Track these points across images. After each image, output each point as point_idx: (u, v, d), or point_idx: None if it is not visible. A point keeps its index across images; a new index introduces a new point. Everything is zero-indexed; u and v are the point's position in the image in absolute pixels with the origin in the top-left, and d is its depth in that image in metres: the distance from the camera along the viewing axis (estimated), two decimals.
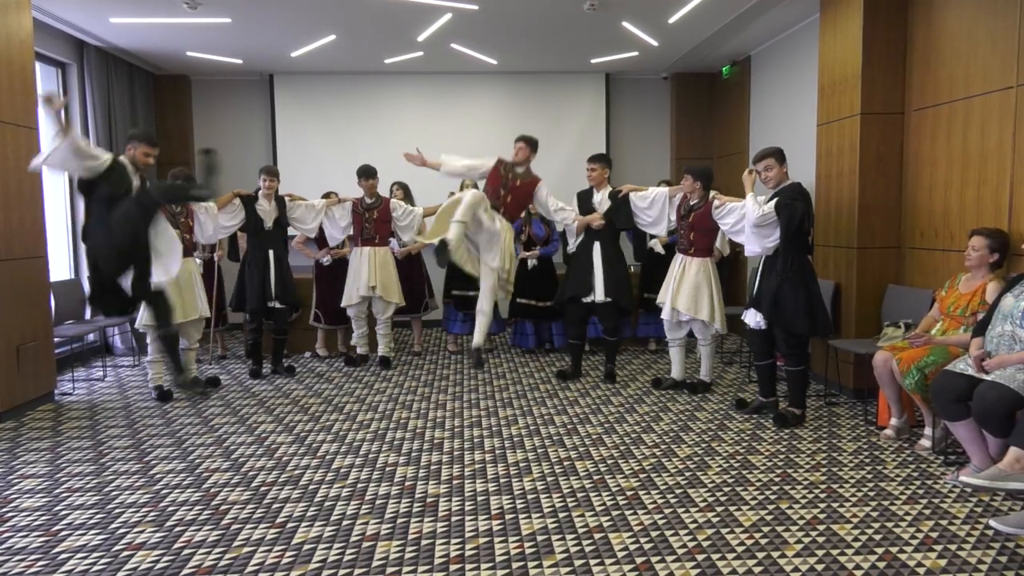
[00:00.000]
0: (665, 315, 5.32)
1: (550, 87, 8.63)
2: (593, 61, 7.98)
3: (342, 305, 6.38)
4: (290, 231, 6.29)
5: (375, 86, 8.52)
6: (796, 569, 2.74)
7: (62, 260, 6.83)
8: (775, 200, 4.43)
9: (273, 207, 5.97)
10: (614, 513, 3.26)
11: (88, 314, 6.49)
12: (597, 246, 5.61)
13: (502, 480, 3.68)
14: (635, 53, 7.62)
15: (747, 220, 4.53)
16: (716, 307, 5.18)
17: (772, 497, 3.43)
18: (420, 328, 7.18)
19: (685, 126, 8.68)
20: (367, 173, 6.24)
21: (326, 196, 6.55)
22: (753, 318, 4.70)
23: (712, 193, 5.16)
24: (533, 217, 6.71)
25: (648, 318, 6.85)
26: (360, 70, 8.32)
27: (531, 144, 5.70)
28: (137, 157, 4.69)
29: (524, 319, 6.95)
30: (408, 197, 6.92)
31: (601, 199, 5.66)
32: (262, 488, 3.60)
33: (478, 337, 5.31)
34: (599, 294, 5.57)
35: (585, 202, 5.75)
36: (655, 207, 5.50)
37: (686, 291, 5.17)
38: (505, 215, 5.51)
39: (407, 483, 3.65)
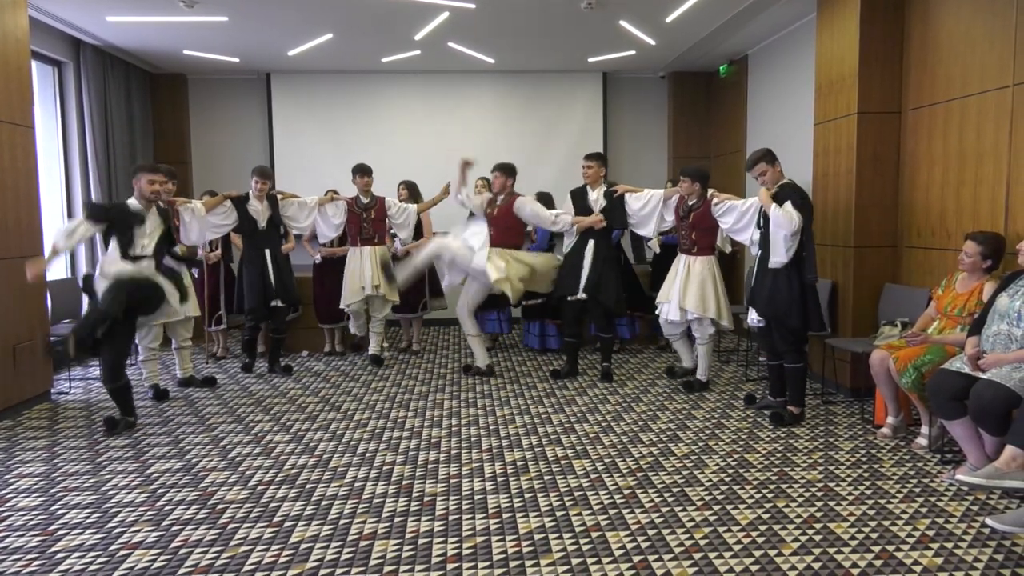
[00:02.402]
0: (673, 316, 5.27)
1: (547, 86, 8.62)
2: (590, 60, 7.98)
3: (341, 305, 6.37)
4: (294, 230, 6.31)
5: (372, 85, 8.51)
6: (793, 567, 2.74)
7: (58, 259, 6.80)
8: (789, 202, 4.39)
9: (266, 206, 5.95)
10: (611, 512, 3.27)
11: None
12: (591, 244, 5.61)
13: (499, 479, 3.68)
14: (632, 52, 7.62)
15: (781, 230, 4.34)
16: (723, 304, 5.22)
17: (769, 496, 3.43)
18: (419, 327, 7.19)
19: (682, 125, 8.68)
20: (363, 171, 6.25)
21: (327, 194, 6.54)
22: (750, 316, 4.73)
23: (710, 192, 5.17)
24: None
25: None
26: (357, 69, 8.31)
27: (506, 171, 5.77)
28: (143, 188, 4.69)
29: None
30: (414, 196, 6.87)
31: (597, 197, 5.65)
32: (259, 487, 3.60)
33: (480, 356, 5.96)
34: (580, 292, 5.58)
35: (580, 200, 5.72)
36: (647, 208, 5.49)
37: (693, 290, 5.17)
38: (498, 243, 5.63)
39: (404, 482, 3.65)
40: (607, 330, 5.78)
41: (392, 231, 6.55)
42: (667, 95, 8.82)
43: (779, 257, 4.41)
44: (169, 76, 8.24)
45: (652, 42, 7.11)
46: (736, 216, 4.91)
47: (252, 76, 8.52)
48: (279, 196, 6.12)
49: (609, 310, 5.69)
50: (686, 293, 5.19)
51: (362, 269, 6.20)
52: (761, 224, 4.64)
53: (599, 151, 5.85)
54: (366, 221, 6.24)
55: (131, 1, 5.76)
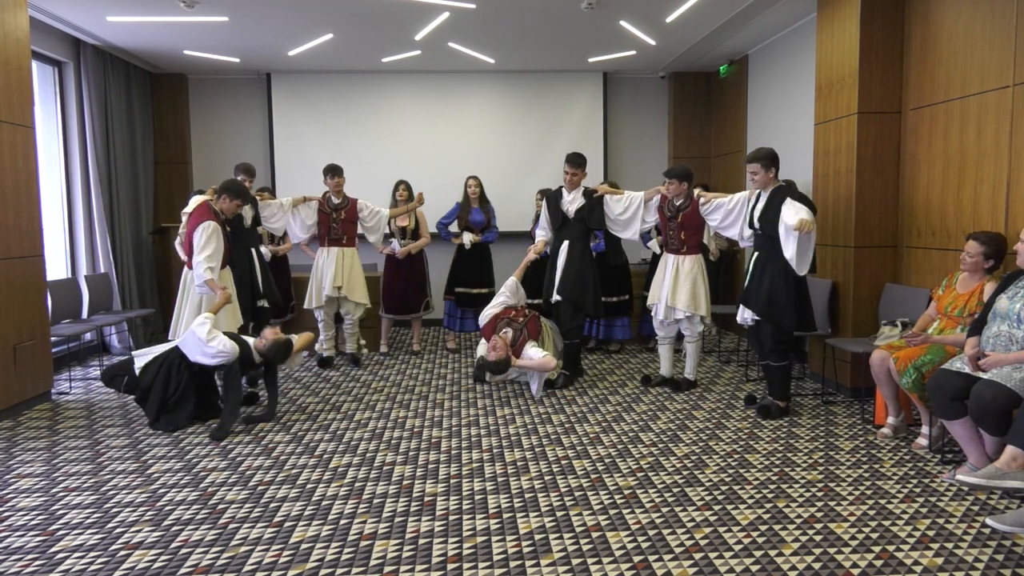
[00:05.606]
0: (660, 315, 5.33)
1: (547, 86, 8.62)
2: (591, 60, 7.98)
3: (306, 306, 6.34)
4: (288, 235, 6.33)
5: (372, 85, 8.51)
6: (793, 568, 2.74)
7: (59, 259, 6.82)
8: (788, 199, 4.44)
9: (249, 205, 5.94)
10: (612, 512, 3.27)
11: (85, 313, 6.48)
12: (565, 246, 5.60)
13: (499, 479, 3.68)
14: (633, 52, 7.62)
15: (790, 221, 4.35)
16: (708, 302, 5.30)
17: (769, 496, 3.43)
18: (420, 327, 7.18)
19: (683, 125, 8.68)
20: (334, 171, 6.23)
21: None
22: (742, 315, 4.76)
23: (697, 191, 5.22)
24: (473, 207, 6.79)
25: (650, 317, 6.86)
26: (357, 69, 8.30)
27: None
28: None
29: (462, 306, 6.92)
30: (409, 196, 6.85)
31: (573, 197, 5.63)
32: (259, 487, 3.60)
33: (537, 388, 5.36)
34: (555, 295, 5.57)
35: (553, 203, 5.71)
36: (628, 212, 5.49)
37: (685, 289, 5.20)
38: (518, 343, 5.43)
39: (405, 482, 3.65)
40: (569, 334, 5.61)
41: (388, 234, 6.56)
42: (667, 95, 8.83)
43: (789, 252, 4.46)
44: (169, 76, 8.24)
45: (652, 42, 7.11)
46: (723, 213, 5.01)
47: (252, 76, 8.52)
48: (258, 197, 6.11)
49: (587, 312, 5.64)
50: (676, 292, 5.22)
51: (325, 271, 6.17)
52: (755, 226, 4.67)
53: (580, 153, 5.71)
54: (335, 222, 6.22)
55: (131, 1, 5.76)
